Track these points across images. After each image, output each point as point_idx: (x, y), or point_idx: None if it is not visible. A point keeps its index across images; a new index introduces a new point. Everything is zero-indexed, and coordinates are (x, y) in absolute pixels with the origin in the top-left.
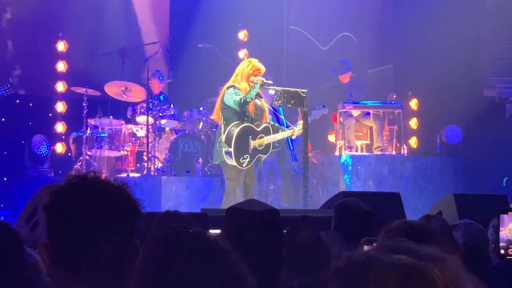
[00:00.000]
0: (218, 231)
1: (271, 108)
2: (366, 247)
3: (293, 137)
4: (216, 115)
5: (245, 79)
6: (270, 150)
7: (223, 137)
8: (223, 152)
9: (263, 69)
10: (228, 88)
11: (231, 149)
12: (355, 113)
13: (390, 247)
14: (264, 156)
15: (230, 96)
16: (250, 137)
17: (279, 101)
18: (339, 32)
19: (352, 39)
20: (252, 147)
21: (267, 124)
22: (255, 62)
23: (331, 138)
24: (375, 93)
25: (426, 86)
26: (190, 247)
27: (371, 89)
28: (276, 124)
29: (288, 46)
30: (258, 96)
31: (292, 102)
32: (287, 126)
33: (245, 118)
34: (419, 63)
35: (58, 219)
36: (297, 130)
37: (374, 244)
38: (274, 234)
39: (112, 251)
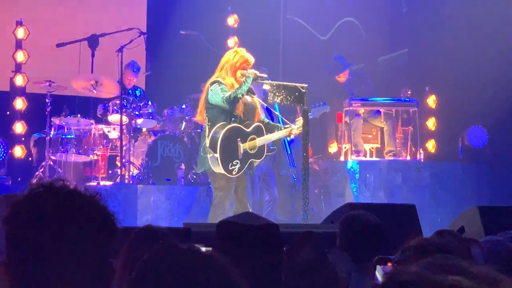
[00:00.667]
0: (205, 249)
1: (264, 104)
2: (379, 267)
3: (291, 137)
4: (200, 116)
5: (231, 72)
6: (265, 154)
7: (207, 141)
8: (209, 158)
9: (251, 60)
10: (212, 84)
11: (217, 155)
12: (363, 111)
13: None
14: (258, 161)
15: (215, 93)
16: (239, 139)
17: (275, 98)
18: (340, 18)
19: (355, 24)
20: (242, 151)
21: (259, 123)
22: (243, 52)
23: (332, 148)
24: (386, 88)
25: (446, 80)
26: (183, 265)
27: (382, 83)
28: (271, 122)
29: (284, 34)
30: (249, 92)
31: (290, 99)
32: (284, 124)
33: (233, 119)
34: (438, 53)
35: (20, 235)
36: (295, 128)
37: (389, 264)
38: (273, 253)
39: (83, 272)
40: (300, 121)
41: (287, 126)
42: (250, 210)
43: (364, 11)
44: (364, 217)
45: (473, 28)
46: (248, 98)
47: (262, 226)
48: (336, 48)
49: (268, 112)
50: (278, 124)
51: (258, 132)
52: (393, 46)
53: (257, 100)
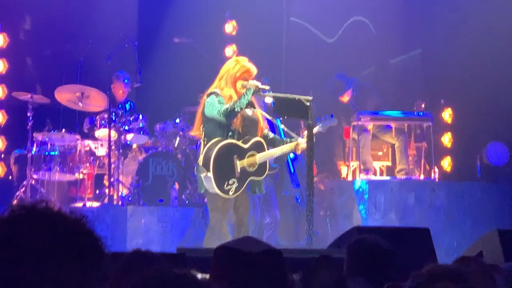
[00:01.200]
0: (201, 275)
1: (268, 117)
2: None
3: (298, 152)
4: (196, 131)
5: (231, 83)
6: (267, 172)
7: (201, 159)
8: (202, 178)
9: (254, 70)
10: (208, 95)
11: (210, 174)
12: (372, 126)
13: None
14: (260, 179)
15: (212, 105)
16: (235, 156)
17: (278, 112)
18: (348, 18)
19: (365, 24)
20: (239, 169)
21: (258, 139)
22: (244, 61)
23: (342, 168)
24: (398, 100)
25: (463, 92)
26: None
27: (393, 95)
28: (277, 137)
29: (287, 40)
30: (250, 105)
31: (293, 113)
32: (288, 137)
33: (230, 133)
34: (454, 62)
35: None
36: (302, 142)
37: None
38: (276, 281)
39: None
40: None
41: (293, 139)
42: (251, 232)
43: (374, 9)
44: (374, 241)
45: (494, 35)
46: (248, 112)
47: (264, 252)
48: (344, 52)
49: (270, 125)
50: (285, 139)
51: (258, 147)
52: (406, 47)
53: (259, 113)
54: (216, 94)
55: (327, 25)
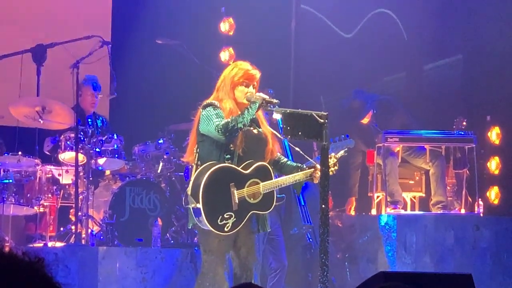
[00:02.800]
0: None
1: (280, 137)
2: None
3: (315, 181)
4: (190, 155)
5: (230, 92)
6: (274, 204)
7: (190, 187)
8: (191, 210)
9: (256, 73)
10: (204, 107)
11: (200, 205)
12: (399, 149)
13: None
14: (265, 213)
15: (208, 119)
16: (232, 183)
17: (287, 133)
18: (370, 10)
19: (391, 18)
20: (237, 200)
21: (263, 164)
22: (245, 65)
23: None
24: (434, 116)
25: None
26: None
27: (427, 110)
28: (287, 161)
29: (297, 44)
30: (254, 122)
31: (304, 132)
32: (302, 162)
33: (227, 156)
34: (504, 71)
35: None
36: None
37: None
38: None
39: None
40: (333, 158)
41: (310, 164)
42: (257, 280)
43: (403, 1)
44: None
45: None
46: (252, 130)
47: None
48: (364, 52)
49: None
50: (302, 166)
51: (262, 174)
52: (443, 51)
53: (268, 133)
54: (214, 106)
55: (345, 19)
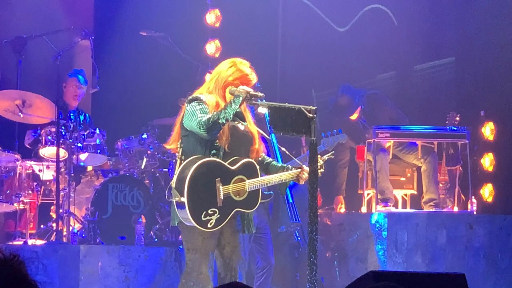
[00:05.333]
0: None
1: (265, 136)
2: None
3: (301, 182)
4: (173, 143)
5: (220, 89)
6: (259, 202)
7: (174, 180)
8: (175, 205)
9: (253, 78)
10: (190, 102)
11: (184, 199)
12: (390, 144)
13: None
14: (250, 211)
15: (191, 115)
16: (218, 179)
17: (273, 127)
18: (364, 5)
19: (385, 13)
20: (222, 196)
21: (249, 160)
22: (242, 65)
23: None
24: (425, 111)
25: (508, 102)
26: None
27: (418, 104)
28: (271, 161)
29: (284, 36)
30: (239, 117)
31: (292, 127)
32: (287, 162)
33: (213, 151)
34: (497, 64)
35: None
36: (307, 169)
37: None
38: None
39: None
40: (319, 161)
41: (295, 165)
42: (242, 280)
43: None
44: None
45: None
46: (239, 126)
47: None
48: (355, 46)
49: (264, 142)
50: (286, 166)
51: (248, 171)
52: (437, 50)
53: (255, 130)
54: (199, 101)
55: (338, 12)
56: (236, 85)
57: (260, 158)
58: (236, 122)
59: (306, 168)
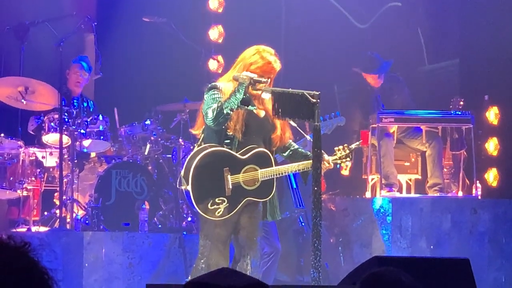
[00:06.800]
0: None
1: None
2: None
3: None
4: (197, 129)
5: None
6: (273, 192)
7: (183, 168)
8: (184, 193)
9: (277, 66)
10: (207, 91)
11: (189, 187)
12: (395, 129)
13: None
14: (263, 200)
15: (205, 104)
16: (226, 168)
17: (279, 114)
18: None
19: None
20: (231, 186)
21: (262, 150)
22: (266, 52)
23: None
24: (430, 96)
25: None
26: None
27: (424, 90)
28: (297, 148)
29: (288, 13)
30: (245, 102)
31: (296, 113)
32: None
33: (227, 141)
34: (502, 49)
35: None
36: (330, 160)
37: None
38: None
39: None
40: (341, 151)
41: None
42: (255, 266)
43: None
44: (394, 277)
45: None
46: (255, 114)
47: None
48: (358, 31)
49: None
50: (310, 154)
51: (260, 161)
52: (444, 49)
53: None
54: (215, 89)
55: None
56: (258, 73)
57: (286, 145)
58: (254, 114)
59: (326, 158)
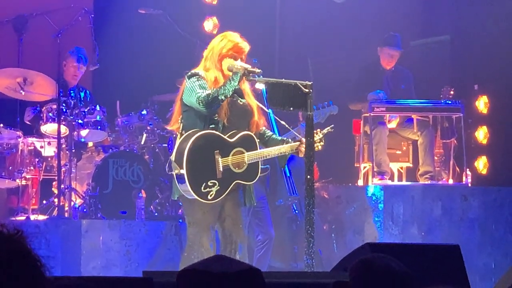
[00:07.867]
0: None
1: (265, 109)
2: None
3: (301, 155)
4: (174, 124)
5: (217, 63)
6: (258, 175)
7: (174, 153)
8: (175, 177)
9: (244, 46)
10: (189, 77)
11: (184, 171)
12: (387, 118)
13: None
14: (250, 183)
15: (191, 90)
16: (216, 151)
17: (272, 104)
18: None
19: None
20: (222, 168)
21: (248, 133)
22: (234, 37)
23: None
24: (421, 85)
25: (502, 76)
26: None
27: (414, 79)
28: (272, 135)
29: (282, 6)
30: (238, 93)
31: (289, 102)
32: (283, 135)
33: (212, 125)
34: (491, 38)
35: None
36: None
37: None
38: None
39: None
40: (319, 134)
41: (295, 138)
42: (242, 253)
43: None
44: (384, 263)
45: None
46: (238, 101)
47: (238, 273)
48: (353, 17)
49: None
50: (286, 139)
51: (247, 144)
52: (433, 26)
53: (254, 105)
54: (198, 77)
55: None
56: (230, 55)
57: (260, 132)
58: (235, 99)
59: (303, 141)
